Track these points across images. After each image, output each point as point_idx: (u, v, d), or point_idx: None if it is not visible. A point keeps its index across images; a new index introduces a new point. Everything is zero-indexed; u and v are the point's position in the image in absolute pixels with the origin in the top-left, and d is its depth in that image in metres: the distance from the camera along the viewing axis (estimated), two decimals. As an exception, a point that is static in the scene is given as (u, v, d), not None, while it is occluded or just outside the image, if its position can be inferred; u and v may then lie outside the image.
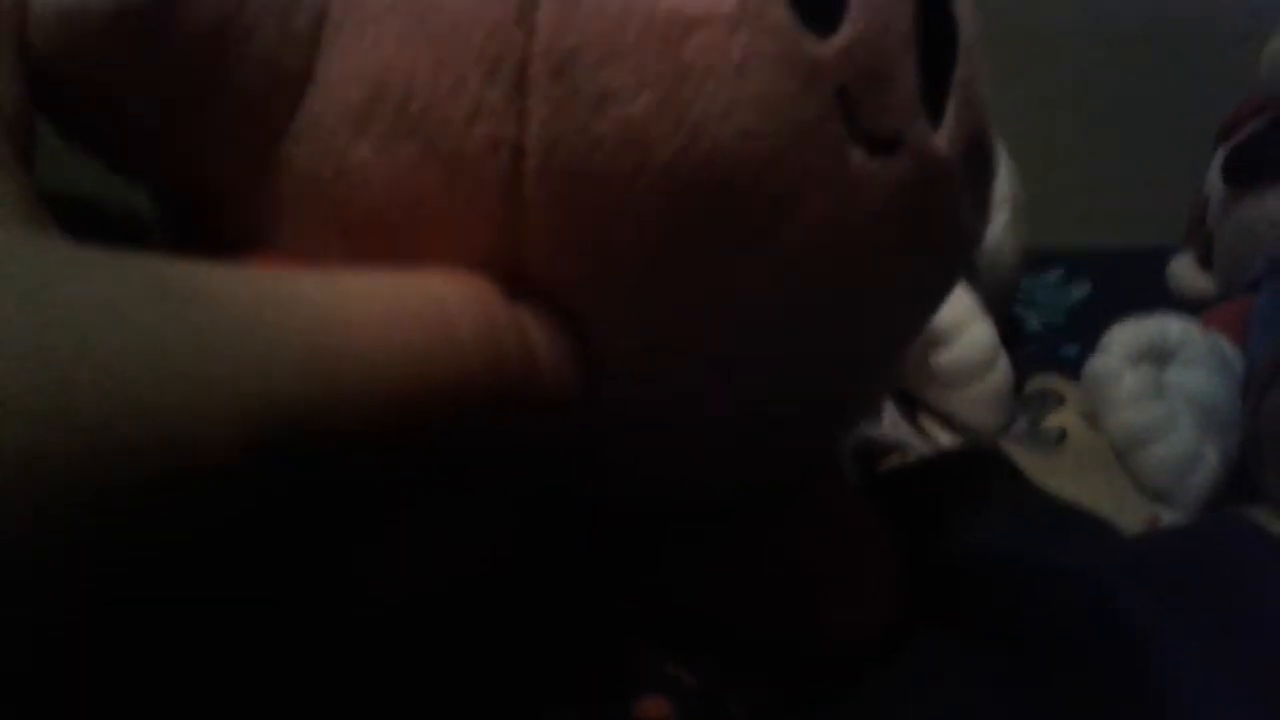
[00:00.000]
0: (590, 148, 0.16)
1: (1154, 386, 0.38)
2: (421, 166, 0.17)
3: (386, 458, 0.15)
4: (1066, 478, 0.34)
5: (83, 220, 0.14)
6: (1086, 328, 0.45)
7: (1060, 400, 0.41)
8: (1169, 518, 0.35)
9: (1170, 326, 0.40)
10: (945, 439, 0.41)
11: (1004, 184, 0.53)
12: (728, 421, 0.21)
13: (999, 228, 0.52)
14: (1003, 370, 0.43)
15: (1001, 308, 0.53)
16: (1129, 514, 0.34)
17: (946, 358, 0.42)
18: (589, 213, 0.17)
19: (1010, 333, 0.54)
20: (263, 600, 0.15)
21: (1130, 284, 0.67)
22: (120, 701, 0.13)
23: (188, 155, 0.18)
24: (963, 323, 0.43)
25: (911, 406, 0.43)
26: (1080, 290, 0.69)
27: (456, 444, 0.16)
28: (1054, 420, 0.39)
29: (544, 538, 0.22)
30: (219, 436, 0.12)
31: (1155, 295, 0.62)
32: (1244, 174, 0.57)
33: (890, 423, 0.40)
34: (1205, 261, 0.63)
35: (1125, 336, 0.39)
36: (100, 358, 0.11)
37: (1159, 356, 0.40)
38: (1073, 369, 0.43)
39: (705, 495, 0.23)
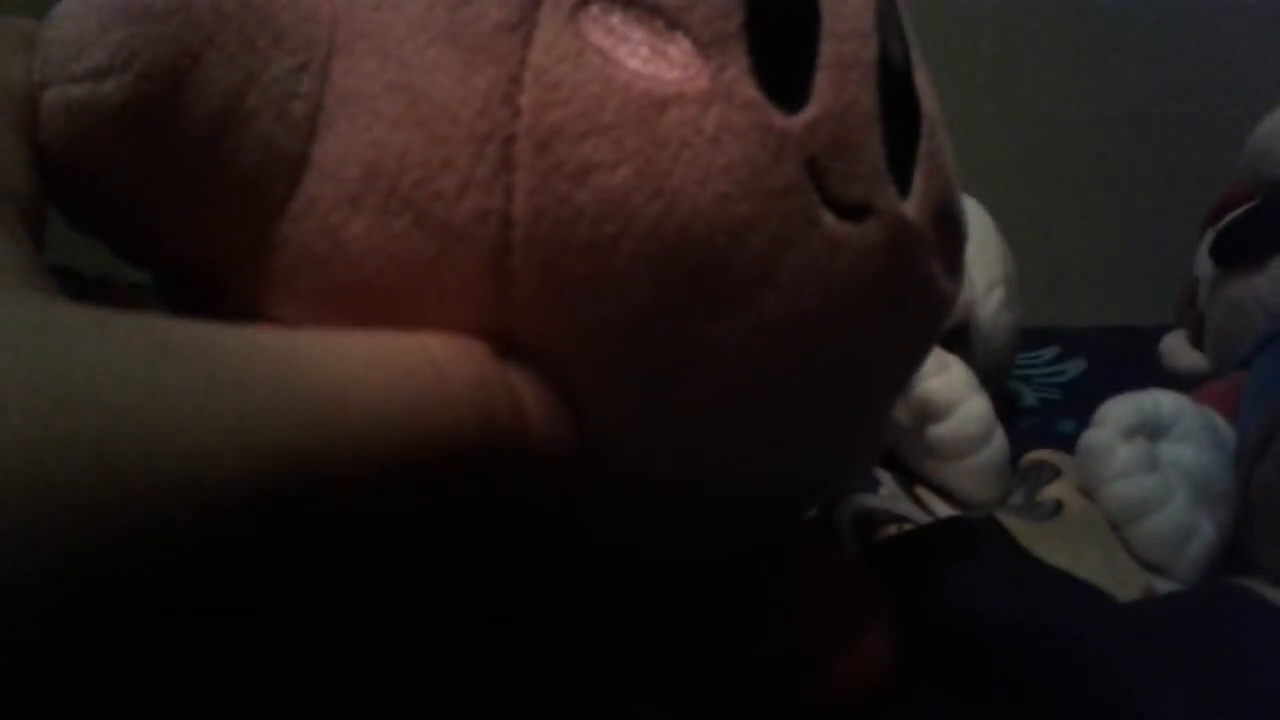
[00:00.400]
0: (574, 216, 0.17)
1: (1148, 459, 0.39)
2: (414, 239, 0.17)
3: (383, 510, 0.15)
4: (1063, 549, 0.34)
5: (90, 296, 0.15)
6: (1082, 404, 0.45)
7: (1056, 473, 0.41)
8: (1165, 589, 0.35)
9: (1163, 401, 0.40)
10: (943, 510, 0.42)
11: (998, 266, 0.54)
12: (720, 480, 0.21)
13: (994, 306, 0.53)
14: (999, 444, 0.43)
15: (997, 383, 0.54)
16: (1125, 585, 0.34)
17: (943, 431, 0.43)
18: (575, 279, 0.17)
19: (1006, 408, 0.54)
20: (264, 656, 0.15)
21: (1125, 361, 0.67)
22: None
23: (188, 237, 0.18)
24: (959, 397, 0.43)
25: (909, 479, 0.44)
26: (1075, 367, 0.69)
27: (450, 498, 0.16)
28: (1050, 492, 0.40)
29: (539, 601, 0.22)
30: (220, 485, 0.12)
31: (1149, 372, 0.63)
32: (1232, 255, 0.58)
33: (888, 494, 0.41)
34: (1197, 341, 0.63)
35: (1119, 411, 0.40)
36: (102, 408, 0.12)
37: (1153, 430, 0.40)
38: (1068, 444, 0.43)
39: (700, 556, 0.24)
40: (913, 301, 0.22)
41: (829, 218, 0.19)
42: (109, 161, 0.17)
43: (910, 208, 0.20)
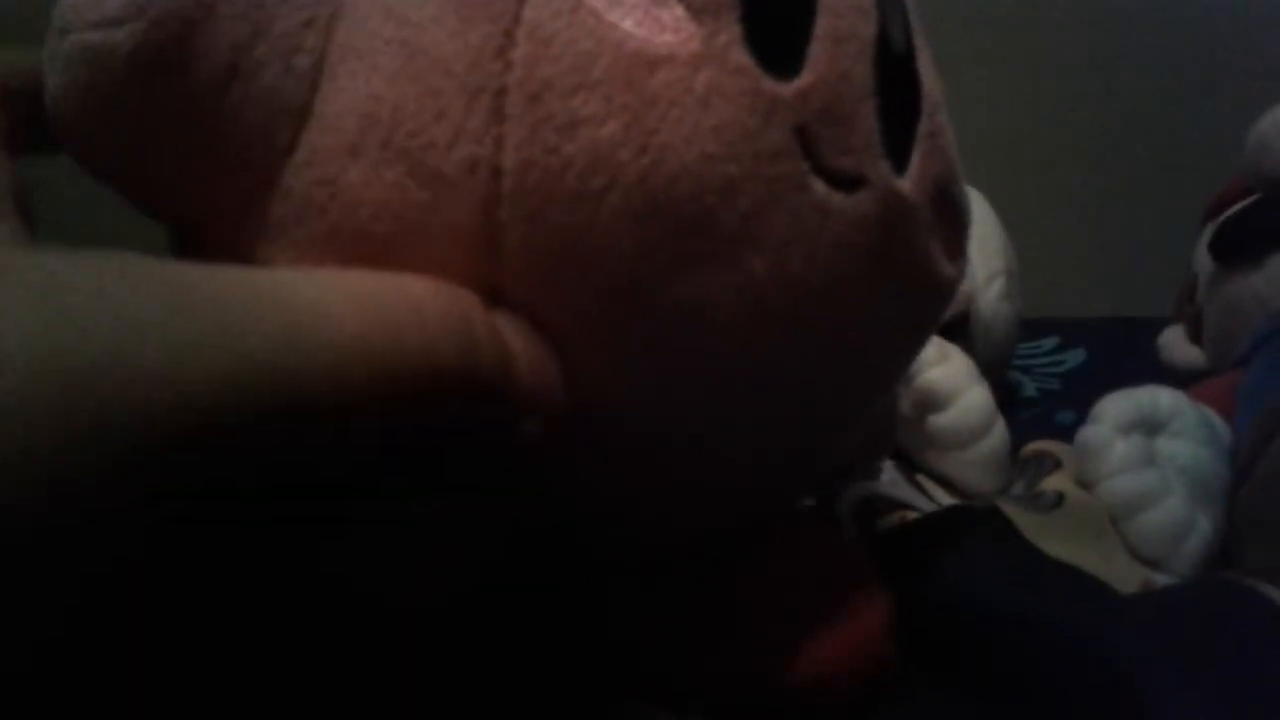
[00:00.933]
0: (562, 168, 0.17)
1: (1145, 455, 0.39)
2: (407, 187, 0.18)
3: (358, 433, 0.15)
4: (1063, 540, 0.34)
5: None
6: (1081, 395, 0.45)
7: (1057, 464, 0.42)
8: (1164, 583, 0.36)
9: (1161, 397, 0.40)
10: (944, 499, 0.42)
11: (999, 257, 0.54)
12: (710, 455, 0.21)
13: (994, 297, 0.53)
14: (999, 434, 0.43)
15: (998, 374, 0.54)
16: (1125, 578, 0.34)
17: (944, 421, 0.43)
18: (562, 229, 0.18)
19: (1006, 399, 0.54)
20: (254, 582, 0.15)
21: (1124, 352, 0.67)
22: (116, 696, 0.13)
23: (197, 184, 0.19)
24: (960, 387, 0.43)
25: (910, 468, 0.44)
26: (1075, 358, 0.70)
27: (436, 432, 0.17)
28: (1051, 483, 0.40)
29: (533, 594, 0.22)
30: (197, 394, 0.13)
31: (1149, 364, 0.63)
32: (1231, 252, 0.58)
33: (890, 482, 0.41)
34: (1195, 336, 0.63)
35: (1116, 407, 0.40)
36: (87, 327, 0.12)
37: (1150, 426, 0.40)
38: (1068, 435, 0.43)
39: (693, 536, 0.24)
40: (908, 280, 0.22)
41: (819, 185, 0.19)
42: (121, 105, 0.18)
43: (906, 184, 0.20)
